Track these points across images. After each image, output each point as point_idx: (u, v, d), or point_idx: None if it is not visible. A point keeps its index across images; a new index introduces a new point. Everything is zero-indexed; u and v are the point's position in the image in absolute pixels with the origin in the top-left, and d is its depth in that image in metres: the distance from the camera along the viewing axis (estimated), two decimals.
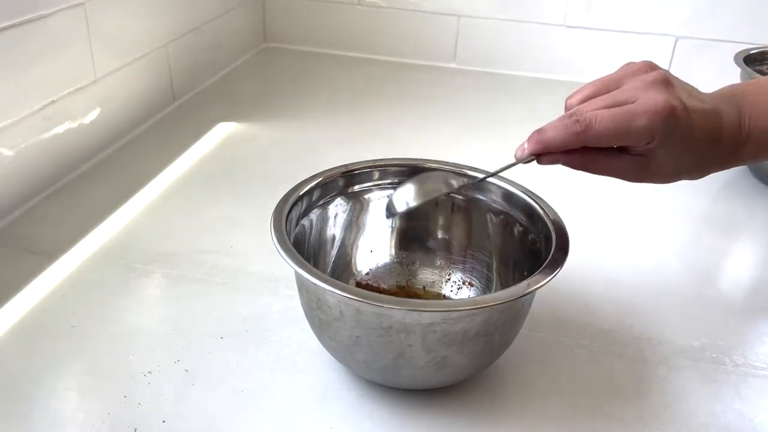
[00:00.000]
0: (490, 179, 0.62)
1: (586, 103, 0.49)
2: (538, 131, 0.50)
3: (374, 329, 0.49)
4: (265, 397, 0.55)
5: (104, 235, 0.75)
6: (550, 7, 1.24)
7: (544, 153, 0.50)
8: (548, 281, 0.49)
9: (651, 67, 0.50)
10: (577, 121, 0.48)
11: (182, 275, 0.69)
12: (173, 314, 0.64)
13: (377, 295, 0.49)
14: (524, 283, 0.49)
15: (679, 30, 1.21)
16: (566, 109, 0.51)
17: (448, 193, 0.61)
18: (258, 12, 1.35)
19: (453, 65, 1.31)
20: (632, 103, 0.47)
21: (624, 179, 0.51)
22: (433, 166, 0.63)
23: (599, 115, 0.47)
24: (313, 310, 0.53)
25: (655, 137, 0.47)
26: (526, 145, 0.50)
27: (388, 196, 0.57)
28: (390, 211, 0.56)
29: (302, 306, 0.55)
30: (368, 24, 1.33)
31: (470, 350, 0.50)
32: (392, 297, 0.48)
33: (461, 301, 0.50)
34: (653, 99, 0.47)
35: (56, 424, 0.52)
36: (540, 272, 0.50)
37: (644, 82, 0.49)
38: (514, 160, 0.51)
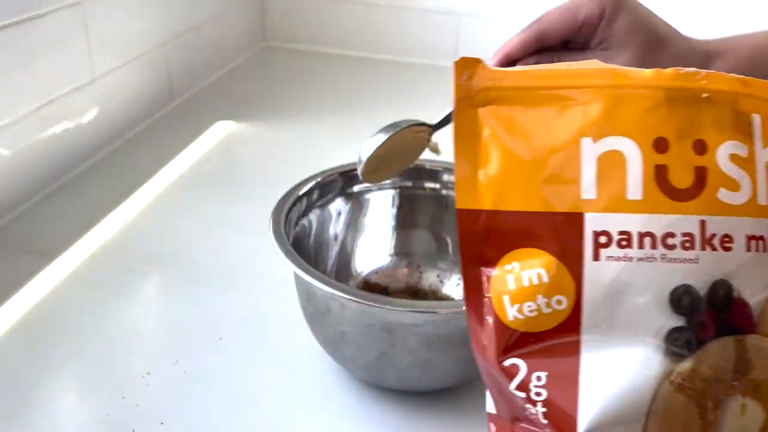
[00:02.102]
0: None
1: None
2: (499, 47, 0.51)
3: (358, 326, 0.49)
4: (265, 398, 0.55)
5: (102, 235, 0.74)
6: (549, 7, 1.24)
7: (509, 65, 0.50)
8: None
9: None
10: (530, 23, 0.50)
11: (181, 275, 0.68)
12: (172, 315, 0.63)
13: (360, 291, 0.49)
14: None
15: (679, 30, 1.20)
16: None
17: (414, 129, 0.58)
18: (257, 11, 1.35)
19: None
20: None
21: None
22: (434, 166, 0.63)
23: (549, 10, 0.50)
24: (305, 304, 0.54)
25: (605, 8, 0.48)
26: (489, 63, 0.51)
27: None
28: (360, 162, 0.54)
29: (298, 299, 0.55)
30: (368, 23, 1.33)
31: (456, 355, 0.50)
32: (376, 295, 0.48)
33: (443, 304, 0.50)
34: None
35: (54, 425, 0.51)
36: None
37: None
38: None
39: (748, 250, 0.33)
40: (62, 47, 0.82)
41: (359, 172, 0.54)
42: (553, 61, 0.49)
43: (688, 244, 0.33)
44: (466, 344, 0.49)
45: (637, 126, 0.33)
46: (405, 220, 0.66)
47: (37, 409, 0.53)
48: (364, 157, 0.53)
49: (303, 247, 0.59)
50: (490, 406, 0.38)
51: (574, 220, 0.33)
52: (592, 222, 0.33)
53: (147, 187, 0.84)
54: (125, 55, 0.94)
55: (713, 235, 0.33)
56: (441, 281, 0.65)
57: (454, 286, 0.65)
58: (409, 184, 0.64)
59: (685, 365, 0.33)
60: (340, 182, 0.62)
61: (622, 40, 0.49)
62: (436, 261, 0.66)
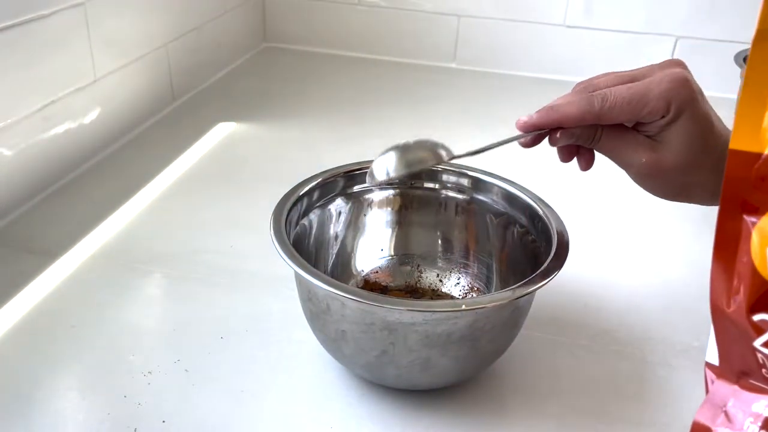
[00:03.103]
0: (491, 180, 0.62)
1: (598, 80, 0.49)
2: (549, 106, 0.49)
3: (358, 324, 0.49)
4: (266, 397, 0.55)
5: (104, 235, 0.75)
6: (550, 7, 1.24)
7: (555, 128, 0.49)
8: (534, 290, 0.49)
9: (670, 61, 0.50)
10: (592, 94, 0.48)
11: (182, 275, 0.69)
12: (173, 314, 0.64)
13: (360, 290, 0.49)
14: (509, 289, 0.49)
15: (679, 30, 1.21)
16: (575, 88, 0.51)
17: (433, 165, 0.56)
18: (258, 12, 1.35)
19: (453, 65, 1.31)
20: (648, 78, 0.48)
21: (633, 168, 0.50)
22: (433, 166, 0.63)
23: (615, 88, 0.47)
24: (305, 302, 0.54)
25: (670, 108, 0.47)
26: (533, 115, 0.49)
27: (372, 163, 0.53)
28: (372, 178, 0.53)
29: (299, 298, 0.56)
30: (368, 24, 1.33)
31: (455, 354, 0.50)
32: (376, 294, 0.49)
33: (442, 303, 0.50)
34: (670, 72, 0.47)
35: (56, 424, 0.52)
36: (531, 279, 0.50)
37: (660, 65, 0.49)
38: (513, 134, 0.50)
39: None
40: (64, 48, 0.82)
41: (368, 182, 0.54)
42: (596, 133, 0.50)
43: None
44: (466, 343, 0.50)
45: None
46: (405, 220, 0.66)
47: (38, 409, 0.53)
48: (380, 179, 0.52)
49: (303, 246, 0.59)
50: (713, 356, 0.36)
51: None
52: None
53: (148, 187, 0.84)
54: (127, 55, 0.95)
55: None
56: (441, 281, 0.65)
57: (453, 285, 0.65)
58: (409, 184, 0.65)
59: None
60: (341, 182, 0.63)
61: (673, 143, 0.48)
62: (435, 261, 0.66)
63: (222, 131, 1.00)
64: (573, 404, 0.56)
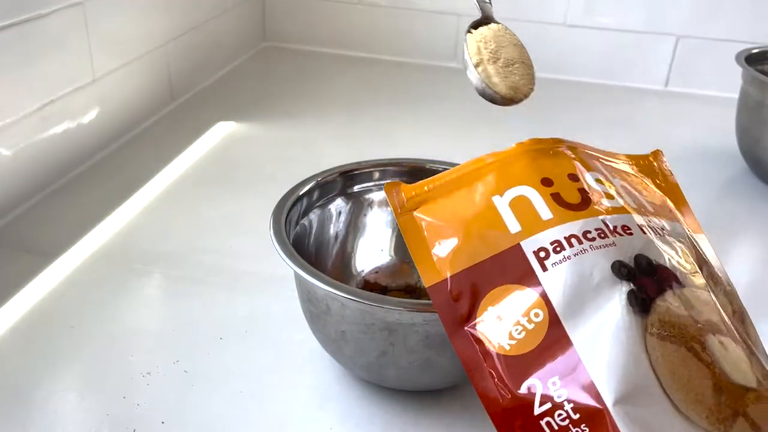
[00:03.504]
0: None
1: None
2: None
3: (358, 325, 0.49)
4: (265, 398, 0.55)
5: (103, 235, 0.74)
6: (550, 7, 1.24)
7: None
8: None
9: None
10: None
11: (182, 275, 0.69)
12: (172, 315, 0.64)
13: (360, 291, 0.49)
14: None
15: (680, 30, 1.21)
16: None
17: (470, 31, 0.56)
18: (258, 11, 1.35)
19: (453, 65, 1.31)
20: None
21: None
22: (434, 166, 0.63)
23: None
24: (305, 303, 0.54)
25: None
26: None
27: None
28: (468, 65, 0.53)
29: (299, 299, 0.56)
30: (368, 24, 1.33)
31: (455, 354, 0.50)
32: (376, 294, 0.48)
33: None
34: None
35: (55, 425, 0.52)
36: None
37: None
38: None
39: (643, 233, 0.42)
40: (63, 47, 0.82)
41: (488, 91, 0.53)
42: None
43: (602, 235, 0.41)
44: None
45: (525, 175, 0.45)
46: None
47: (37, 409, 0.53)
48: (470, 63, 0.52)
49: (303, 246, 0.59)
50: None
51: (516, 251, 0.42)
52: (528, 245, 0.42)
53: (148, 187, 0.84)
54: (126, 55, 0.94)
55: (615, 227, 0.42)
56: None
57: None
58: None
59: (653, 317, 0.39)
60: (341, 182, 0.62)
61: None
62: None
63: (221, 131, 1.00)
64: None
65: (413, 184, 0.47)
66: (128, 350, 0.59)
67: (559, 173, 0.45)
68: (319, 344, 0.56)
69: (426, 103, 1.15)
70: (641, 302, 0.39)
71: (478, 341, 0.41)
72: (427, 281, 0.43)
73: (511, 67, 0.55)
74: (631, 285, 0.40)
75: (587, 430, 0.37)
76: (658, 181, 0.50)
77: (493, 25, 0.57)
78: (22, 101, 0.77)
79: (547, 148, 0.47)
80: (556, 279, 0.40)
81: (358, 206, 0.64)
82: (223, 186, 0.86)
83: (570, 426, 0.38)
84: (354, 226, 0.64)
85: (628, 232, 0.42)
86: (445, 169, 0.63)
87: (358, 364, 0.53)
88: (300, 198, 0.58)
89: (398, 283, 0.65)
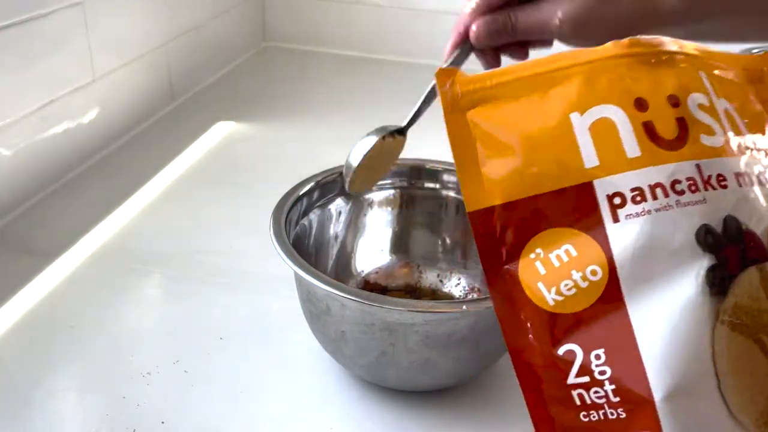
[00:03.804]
0: None
1: None
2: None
3: (358, 325, 0.49)
4: (265, 397, 0.55)
5: (103, 235, 0.74)
6: None
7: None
8: None
9: None
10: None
11: (182, 275, 0.69)
12: (172, 315, 0.64)
13: (360, 291, 0.49)
14: None
15: None
16: None
17: (383, 137, 0.59)
18: (258, 11, 1.35)
19: None
20: None
21: (554, 34, 0.49)
22: (434, 166, 0.63)
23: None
24: (305, 303, 0.54)
25: None
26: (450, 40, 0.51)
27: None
28: (348, 170, 0.56)
29: (299, 299, 0.56)
30: (368, 24, 1.33)
31: (455, 355, 0.50)
32: (376, 294, 0.48)
33: (443, 304, 0.50)
34: None
35: (55, 425, 0.52)
36: None
37: None
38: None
39: (740, 185, 0.35)
40: (63, 47, 0.82)
41: (347, 180, 0.56)
42: (509, 17, 0.50)
43: (693, 187, 0.34)
44: (466, 343, 0.49)
45: (615, 92, 0.35)
46: (405, 220, 0.66)
47: (37, 409, 0.53)
48: (354, 163, 0.55)
49: (303, 246, 0.59)
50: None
51: (586, 190, 0.34)
52: (603, 187, 0.34)
53: (147, 187, 0.84)
54: (126, 55, 0.94)
55: (710, 176, 0.35)
56: (441, 281, 0.65)
57: (453, 286, 0.65)
58: (409, 184, 0.65)
59: (729, 301, 0.33)
60: (341, 182, 0.62)
61: None
62: (436, 261, 0.66)
63: (221, 131, 1.00)
64: None
65: (474, 75, 0.37)
66: (128, 350, 0.59)
67: (657, 93, 0.36)
68: (319, 344, 0.56)
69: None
70: (720, 282, 0.33)
71: (517, 286, 0.35)
72: (469, 204, 0.36)
73: (372, 173, 0.58)
74: (714, 259, 0.33)
75: (624, 416, 0.33)
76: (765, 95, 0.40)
77: (398, 137, 0.58)
78: (22, 101, 0.77)
79: (649, 54, 0.37)
80: (626, 235, 0.33)
81: (358, 206, 0.64)
82: (223, 186, 0.86)
83: (605, 406, 0.33)
84: (354, 226, 0.64)
85: (723, 183, 0.35)
86: (446, 170, 0.64)
87: (358, 364, 0.53)
88: (300, 198, 0.58)
89: (398, 283, 0.65)
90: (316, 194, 0.60)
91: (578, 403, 0.34)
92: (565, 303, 0.34)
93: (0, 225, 0.75)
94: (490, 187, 0.35)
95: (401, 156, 0.66)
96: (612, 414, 0.34)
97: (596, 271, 0.34)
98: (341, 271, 0.64)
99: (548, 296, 0.34)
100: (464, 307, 0.48)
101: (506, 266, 0.35)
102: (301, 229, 0.59)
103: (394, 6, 1.30)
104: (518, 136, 0.36)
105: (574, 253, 0.34)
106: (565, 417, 0.35)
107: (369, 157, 0.55)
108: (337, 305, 0.49)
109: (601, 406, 0.34)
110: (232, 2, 1.23)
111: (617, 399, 0.33)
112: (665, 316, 0.33)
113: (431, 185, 0.64)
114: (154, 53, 1.01)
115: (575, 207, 0.34)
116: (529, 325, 0.35)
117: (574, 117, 0.35)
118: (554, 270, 0.34)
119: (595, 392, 0.34)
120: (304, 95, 1.15)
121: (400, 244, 0.66)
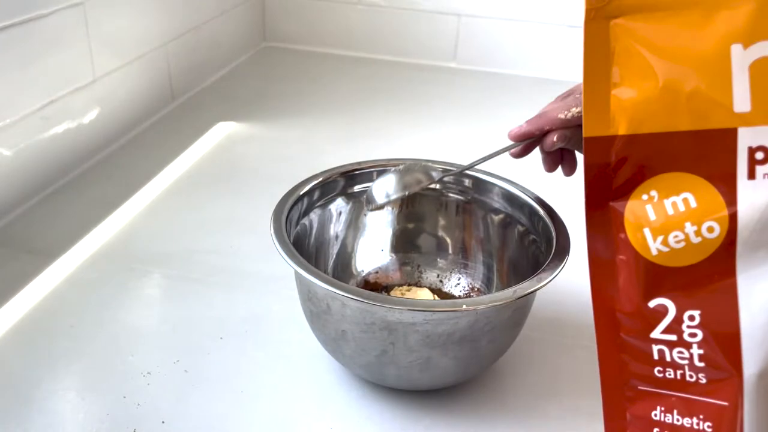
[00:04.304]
0: (492, 180, 0.62)
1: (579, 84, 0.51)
2: (537, 114, 0.51)
3: (358, 324, 0.49)
4: (265, 397, 0.55)
5: (104, 235, 0.74)
6: (550, 7, 1.24)
7: (543, 133, 0.50)
8: (535, 290, 0.49)
9: None
10: (575, 96, 0.49)
11: (182, 275, 0.69)
12: (173, 315, 0.64)
13: (360, 290, 0.49)
14: (510, 290, 0.49)
15: None
16: None
17: (428, 185, 0.59)
18: (258, 11, 1.35)
19: (453, 65, 1.31)
20: None
21: None
22: (434, 166, 0.63)
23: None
24: (305, 302, 0.54)
25: None
26: (523, 124, 0.52)
27: (368, 188, 0.58)
28: (369, 203, 0.57)
29: (299, 298, 0.56)
30: (368, 24, 1.33)
31: (456, 354, 0.50)
32: (376, 294, 0.48)
33: (442, 303, 0.50)
34: None
35: (55, 425, 0.52)
36: (532, 279, 0.50)
37: None
38: (506, 145, 0.53)
39: None
40: (63, 47, 0.82)
41: (367, 207, 0.58)
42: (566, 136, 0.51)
43: None
44: (466, 343, 0.49)
45: None
46: (405, 220, 0.66)
47: (37, 409, 0.53)
48: (379, 201, 0.57)
49: (303, 246, 0.59)
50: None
51: (726, 137, 0.30)
52: (747, 137, 0.30)
53: (148, 187, 0.84)
54: (126, 55, 0.94)
55: None
56: (441, 281, 0.65)
57: (454, 286, 0.65)
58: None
59: None
60: (341, 182, 0.62)
61: None
62: (436, 260, 0.66)
63: (221, 131, 1.00)
64: (574, 405, 0.56)
65: None
66: (128, 350, 0.59)
67: None
68: (319, 344, 0.56)
69: (426, 103, 1.15)
70: None
71: (620, 227, 0.32)
72: (588, 129, 0.32)
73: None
74: None
75: (704, 382, 0.31)
76: None
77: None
78: (23, 101, 0.77)
79: None
80: (759, 195, 0.30)
81: (359, 206, 0.64)
82: (223, 186, 0.86)
83: (686, 368, 0.31)
84: (354, 226, 0.64)
85: None
86: (446, 170, 0.64)
87: (358, 364, 0.53)
88: (300, 198, 0.58)
89: (398, 283, 0.65)
90: (316, 194, 0.60)
91: (656, 357, 0.32)
92: (669, 256, 0.31)
93: (0, 225, 0.75)
94: (618, 113, 0.32)
95: (401, 156, 0.66)
96: (691, 377, 0.31)
97: (713, 228, 0.31)
98: (341, 271, 0.64)
99: (653, 245, 0.31)
100: (464, 306, 0.48)
101: (612, 203, 0.33)
102: (302, 228, 0.59)
103: (394, 6, 1.30)
104: (664, 58, 0.30)
105: (693, 203, 0.31)
106: (637, 366, 0.33)
107: (391, 200, 0.57)
108: (337, 304, 0.49)
109: (680, 366, 0.32)
110: (232, 2, 1.23)
111: (702, 364, 0.31)
112: None
113: (431, 185, 0.64)
114: (154, 53, 1.01)
115: (709, 153, 0.30)
116: (623, 270, 0.32)
117: (736, 49, 0.30)
118: (666, 218, 0.31)
119: (679, 353, 0.31)
120: (304, 95, 1.15)
121: (400, 244, 0.66)
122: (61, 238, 0.73)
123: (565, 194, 0.72)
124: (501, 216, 0.62)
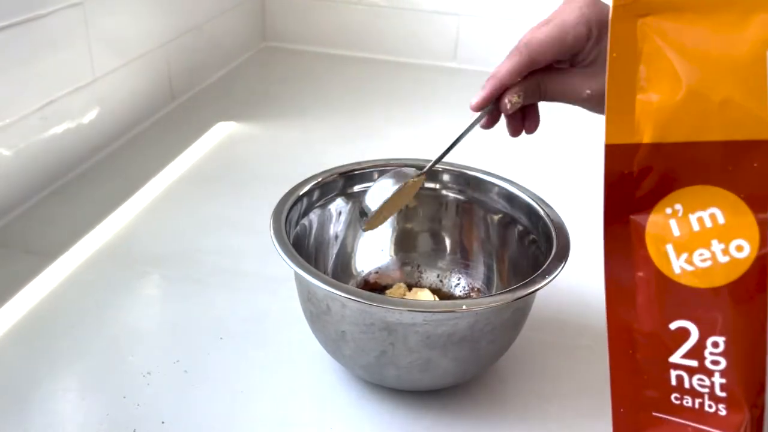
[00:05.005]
0: (492, 180, 0.62)
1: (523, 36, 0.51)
2: (489, 76, 0.51)
3: (358, 325, 0.49)
4: (265, 398, 0.55)
5: (103, 235, 0.74)
6: (550, 7, 1.24)
7: (500, 92, 0.50)
8: (535, 291, 0.49)
9: None
10: (516, 45, 0.49)
11: (182, 275, 0.69)
12: (172, 315, 0.64)
13: (360, 291, 0.49)
14: (510, 291, 0.49)
15: None
16: None
17: (414, 179, 0.57)
18: (258, 12, 1.35)
19: (453, 65, 1.31)
20: (561, 12, 0.49)
21: (587, 103, 0.50)
22: (435, 167, 0.63)
23: (534, 30, 0.49)
24: (305, 303, 0.54)
25: (591, 29, 0.47)
26: (479, 92, 0.51)
27: (360, 202, 0.56)
28: (364, 213, 0.55)
29: (299, 299, 0.56)
30: (368, 24, 1.33)
31: (455, 355, 0.50)
32: (376, 294, 0.48)
33: (442, 303, 0.50)
34: None
35: (55, 425, 0.52)
36: (532, 279, 0.50)
37: None
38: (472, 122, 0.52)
39: None
40: (63, 47, 0.82)
41: (363, 221, 0.55)
42: (539, 85, 0.50)
43: None
44: (466, 343, 0.49)
45: None
46: (405, 220, 0.66)
47: (37, 409, 0.53)
48: (373, 209, 0.54)
49: (303, 246, 0.59)
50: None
51: (760, 149, 0.27)
52: None
53: (148, 187, 0.84)
54: (126, 55, 0.94)
55: None
56: (441, 281, 0.65)
57: (454, 286, 0.65)
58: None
59: None
60: (341, 182, 0.62)
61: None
62: (436, 261, 0.66)
63: (221, 131, 1.00)
64: (574, 406, 0.56)
65: None
66: (128, 350, 0.59)
67: None
68: (319, 344, 0.56)
69: (426, 103, 1.15)
70: None
71: (641, 242, 0.30)
72: (610, 135, 0.29)
73: (388, 212, 0.57)
74: None
75: (723, 414, 0.29)
76: None
77: (417, 178, 0.57)
78: (22, 101, 0.77)
79: None
80: None
81: (358, 206, 0.64)
82: (223, 186, 0.86)
83: (705, 397, 0.29)
84: (354, 226, 0.64)
85: None
86: (445, 170, 0.64)
87: (358, 364, 0.53)
88: (300, 198, 0.58)
89: (408, 284, 0.65)
90: (316, 194, 0.60)
91: (674, 383, 0.30)
92: (694, 275, 0.29)
93: (0, 225, 0.75)
94: (643, 119, 0.29)
95: (401, 156, 0.66)
96: (710, 407, 0.30)
97: (743, 247, 0.28)
98: (341, 272, 0.64)
99: (675, 263, 0.29)
100: (464, 306, 0.48)
101: (633, 216, 0.31)
102: (301, 229, 0.59)
103: (394, 6, 1.30)
104: (695, 62, 0.28)
105: (721, 219, 0.28)
106: (652, 391, 0.31)
107: (386, 200, 0.55)
108: (337, 305, 0.49)
109: (700, 395, 0.30)
110: (232, 2, 1.23)
111: (723, 394, 0.29)
112: None
113: (431, 185, 0.64)
114: (154, 53, 1.01)
115: (740, 166, 0.28)
116: (642, 288, 0.30)
117: None
118: (691, 234, 0.29)
119: (699, 380, 0.29)
120: (303, 95, 1.15)
121: (400, 244, 0.66)
122: (60, 238, 0.73)
123: (566, 194, 0.72)
124: (501, 216, 0.62)
